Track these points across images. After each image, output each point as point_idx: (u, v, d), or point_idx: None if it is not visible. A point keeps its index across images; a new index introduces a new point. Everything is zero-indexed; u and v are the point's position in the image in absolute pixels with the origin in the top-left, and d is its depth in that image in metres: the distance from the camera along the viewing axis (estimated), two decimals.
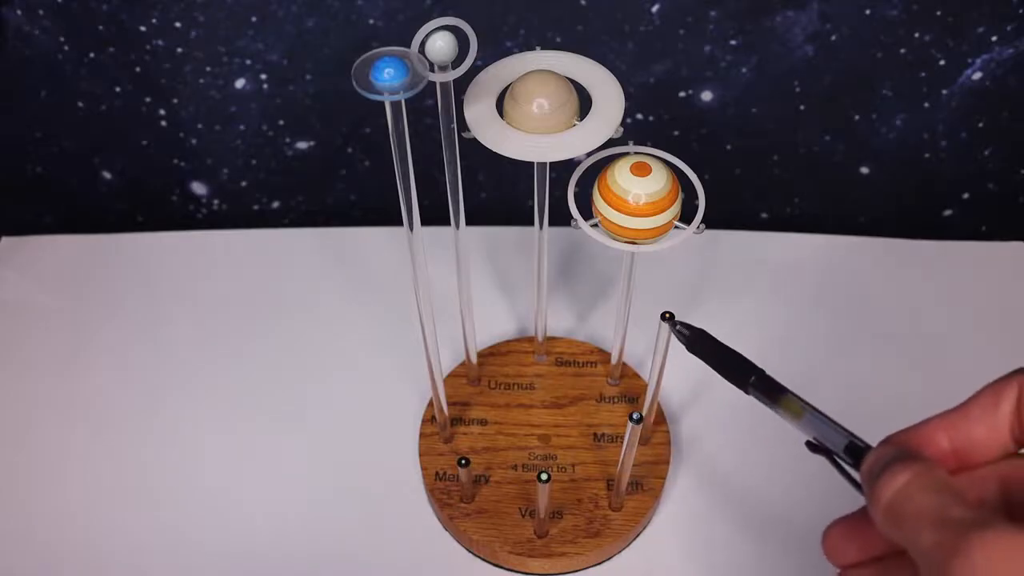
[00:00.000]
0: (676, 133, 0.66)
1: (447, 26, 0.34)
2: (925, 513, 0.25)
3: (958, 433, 0.29)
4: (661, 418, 0.54)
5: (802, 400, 0.33)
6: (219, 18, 0.59)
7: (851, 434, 0.30)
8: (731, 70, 0.61)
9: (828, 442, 0.31)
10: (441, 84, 0.36)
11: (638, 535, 0.51)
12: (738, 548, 0.51)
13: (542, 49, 0.42)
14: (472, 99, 0.40)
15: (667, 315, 0.43)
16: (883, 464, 0.27)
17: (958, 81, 0.62)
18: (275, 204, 0.72)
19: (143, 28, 0.59)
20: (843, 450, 0.30)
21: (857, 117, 0.64)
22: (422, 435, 0.53)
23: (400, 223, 0.39)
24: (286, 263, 0.65)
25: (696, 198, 0.42)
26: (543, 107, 0.39)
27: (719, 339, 0.39)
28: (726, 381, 0.37)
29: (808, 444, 0.32)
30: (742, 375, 0.36)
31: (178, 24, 0.59)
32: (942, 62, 0.60)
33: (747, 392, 0.35)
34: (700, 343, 0.40)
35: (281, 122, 0.65)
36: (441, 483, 0.51)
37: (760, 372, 0.35)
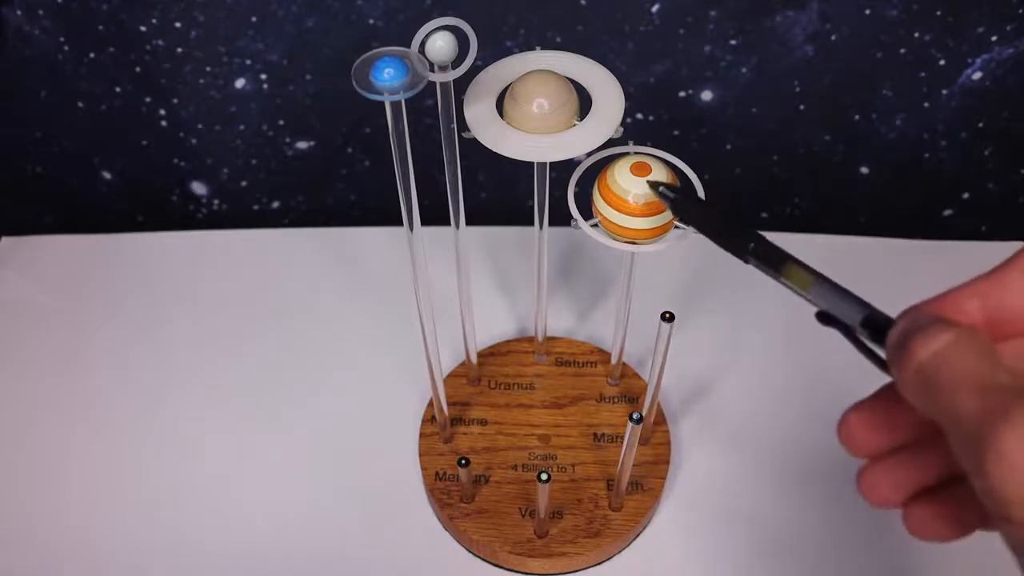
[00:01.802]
0: (676, 133, 0.66)
1: (447, 26, 0.34)
2: (966, 377, 0.23)
3: (991, 301, 0.26)
4: (661, 418, 0.54)
5: (810, 268, 0.29)
6: (219, 18, 0.59)
7: (868, 305, 0.27)
8: (731, 70, 0.61)
9: (841, 314, 0.28)
10: (441, 84, 0.36)
11: (638, 535, 0.51)
12: (738, 548, 0.51)
13: (542, 49, 0.42)
14: (472, 99, 0.40)
15: (667, 315, 0.43)
16: (917, 327, 0.24)
17: (958, 81, 0.62)
18: (275, 204, 0.72)
19: (143, 28, 0.59)
20: (860, 323, 0.27)
21: (857, 117, 0.64)
22: (422, 435, 0.53)
23: (400, 223, 0.39)
24: (286, 263, 0.65)
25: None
26: (543, 107, 0.39)
27: (709, 204, 0.34)
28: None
29: (818, 315, 0.29)
30: (739, 242, 0.31)
31: (178, 24, 0.59)
32: (942, 62, 0.60)
33: (746, 261, 0.31)
34: (688, 207, 0.36)
35: (281, 122, 0.65)
36: (441, 483, 0.51)
37: (760, 237, 0.31)
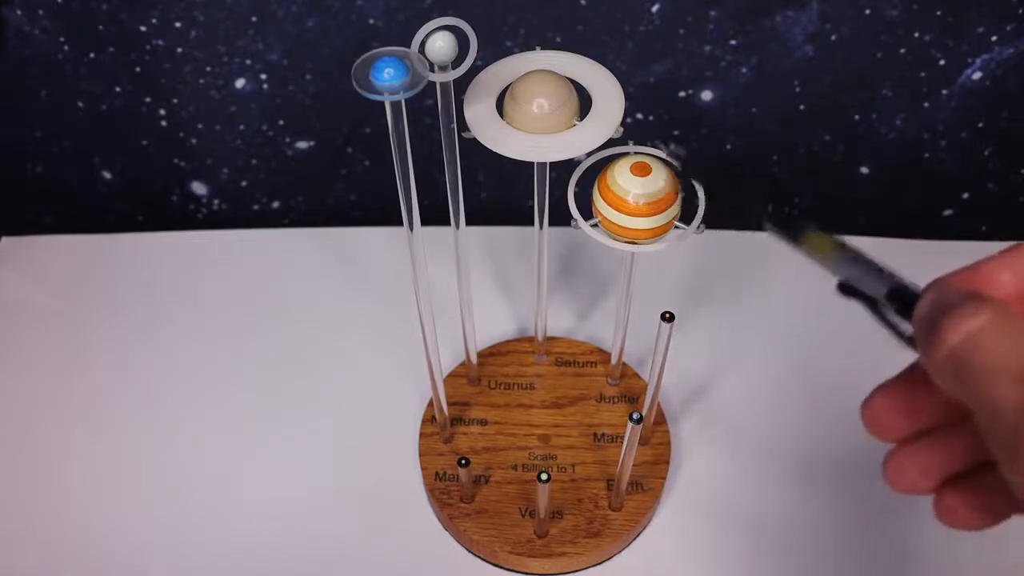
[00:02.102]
0: (676, 133, 0.66)
1: (447, 26, 0.34)
2: (1004, 363, 0.21)
3: None
4: (661, 418, 0.54)
5: (831, 234, 0.27)
6: (219, 18, 0.59)
7: (894, 276, 0.26)
8: (731, 70, 0.61)
9: (864, 286, 0.26)
10: (441, 84, 0.36)
11: (638, 535, 0.51)
12: (738, 548, 0.51)
13: (542, 49, 0.42)
14: (472, 99, 0.40)
15: (667, 315, 0.43)
16: (947, 305, 0.23)
17: (958, 81, 0.62)
18: (275, 204, 0.72)
19: (143, 28, 0.59)
20: (884, 296, 0.25)
21: (857, 117, 0.64)
22: (422, 435, 0.53)
23: (400, 223, 0.39)
24: (286, 263, 0.65)
25: (696, 198, 0.42)
26: (543, 107, 0.39)
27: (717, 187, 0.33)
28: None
29: (840, 287, 0.27)
30: (753, 206, 0.30)
31: (178, 24, 0.59)
32: (942, 62, 0.60)
33: (762, 228, 0.29)
34: (698, 168, 0.35)
35: (281, 122, 0.65)
36: (441, 483, 0.51)
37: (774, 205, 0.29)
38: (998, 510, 0.26)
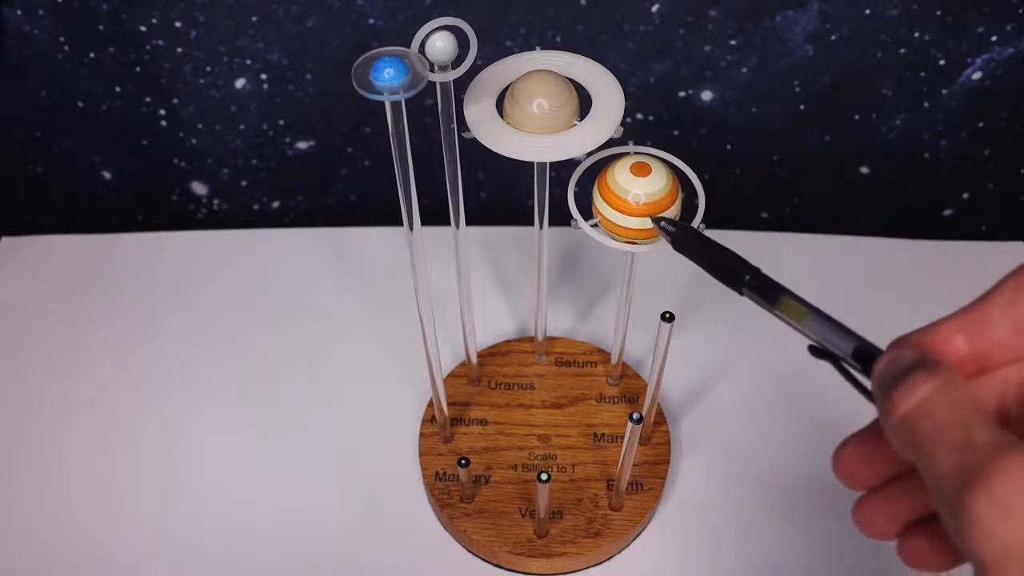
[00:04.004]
0: (676, 133, 0.66)
1: (447, 26, 0.34)
2: (945, 432, 0.22)
3: (977, 335, 0.25)
4: (661, 418, 0.54)
5: (803, 300, 0.30)
6: (219, 18, 0.59)
7: (859, 337, 0.27)
8: (731, 70, 0.61)
9: (833, 346, 0.28)
10: (441, 84, 0.36)
11: (638, 535, 0.51)
12: (738, 548, 0.51)
13: (542, 49, 0.42)
14: (472, 99, 0.40)
15: (667, 315, 0.43)
16: (899, 370, 0.24)
17: (958, 81, 0.62)
18: (275, 204, 0.72)
19: (143, 28, 0.59)
20: (851, 355, 0.27)
21: (857, 117, 0.64)
22: (422, 435, 0.53)
23: (400, 223, 0.39)
24: (286, 263, 0.65)
25: (696, 198, 0.42)
26: (543, 107, 0.39)
27: (710, 238, 0.35)
28: (717, 289, 0.34)
29: (811, 349, 0.29)
30: (735, 275, 0.32)
31: (178, 24, 0.59)
32: (942, 62, 0.60)
33: (742, 294, 0.32)
34: (687, 240, 0.37)
35: (281, 122, 0.66)
36: (441, 483, 0.51)
37: (756, 270, 0.32)
38: (960, 552, 0.26)
